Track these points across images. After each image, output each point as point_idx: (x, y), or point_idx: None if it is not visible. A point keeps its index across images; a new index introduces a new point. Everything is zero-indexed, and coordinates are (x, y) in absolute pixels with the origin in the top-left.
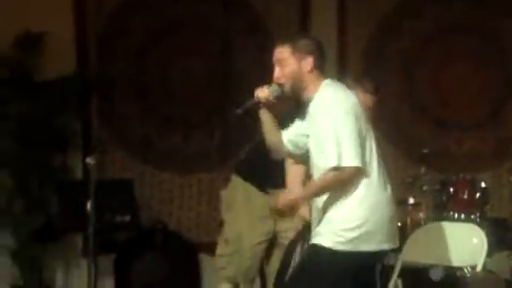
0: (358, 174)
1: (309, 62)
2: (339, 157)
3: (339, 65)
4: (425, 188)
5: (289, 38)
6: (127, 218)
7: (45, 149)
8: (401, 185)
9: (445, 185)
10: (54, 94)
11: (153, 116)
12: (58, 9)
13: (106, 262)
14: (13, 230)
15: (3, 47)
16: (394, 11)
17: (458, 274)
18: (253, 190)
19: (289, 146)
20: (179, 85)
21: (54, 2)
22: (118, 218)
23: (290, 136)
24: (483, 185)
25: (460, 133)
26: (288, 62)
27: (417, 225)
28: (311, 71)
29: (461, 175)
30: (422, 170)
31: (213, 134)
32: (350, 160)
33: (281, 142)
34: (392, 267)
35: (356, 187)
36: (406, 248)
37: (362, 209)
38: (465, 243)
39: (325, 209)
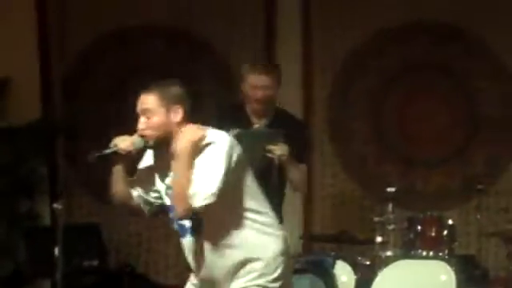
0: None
1: (178, 112)
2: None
3: (305, 112)
4: (392, 227)
5: (156, 86)
6: (95, 263)
7: (11, 195)
8: (368, 224)
9: (412, 223)
10: (19, 139)
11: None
12: (22, 54)
13: None
14: None
15: None
16: (360, 50)
17: None
18: None
19: (138, 201)
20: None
21: (19, 47)
22: (86, 263)
23: (140, 192)
24: (450, 222)
25: (427, 170)
26: (155, 113)
27: (385, 263)
28: (181, 122)
29: (428, 213)
30: (389, 208)
31: None
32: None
33: (129, 195)
34: None
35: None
36: (375, 287)
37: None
38: (433, 280)
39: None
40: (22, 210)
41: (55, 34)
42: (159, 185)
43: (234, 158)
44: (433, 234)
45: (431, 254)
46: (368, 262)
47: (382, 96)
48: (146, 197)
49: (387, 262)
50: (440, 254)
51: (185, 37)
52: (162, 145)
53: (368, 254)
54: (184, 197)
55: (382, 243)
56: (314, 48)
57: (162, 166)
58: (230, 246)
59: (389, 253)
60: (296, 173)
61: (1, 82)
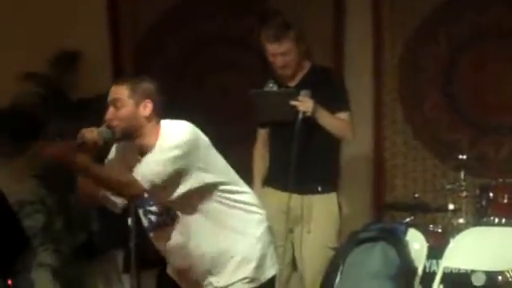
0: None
1: (148, 106)
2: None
3: (375, 80)
4: (464, 194)
5: (127, 79)
6: None
7: None
8: (440, 191)
9: (484, 190)
10: (91, 112)
11: None
12: (92, 27)
13: (149, 277)
14: (54, 248)
15: (40, 66)
16: (430, 18)
17: (500, 278)
18: None
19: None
20: (216, 101)
21: (89, 20)
22: None
23: None
24: None
25: (498, 137)
26: (124, 104)
27: (457, 230)
28: (149, 117)
29: (500, 180)
30: (461, 175)
31: None
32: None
33: (96, 190)
34: (434, 273)
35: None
36: (448, 254)
37: None
38: (506, 247)
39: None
40: None
41: (126, 7)
42: None
43: (192, 148)
44: (505, 201)
45: (504, 220)
46: (440, 230)
47: (452, 63)
48: None
49: (459, 229)
50: None
51: (253, 8)
52: (129, 137)
53: (440, 222)
54: (122, 184)
55: (454, 210)
56: (384, 17)
57: (129, 159)
58: (210, 235)
59: (461, 220)
60: (332, 123)
61: (71, 56)
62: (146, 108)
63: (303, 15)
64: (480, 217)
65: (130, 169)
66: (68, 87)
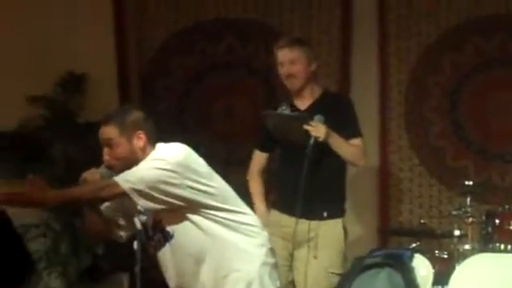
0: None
1: (141, 137)
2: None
3: (381, 106)
4: (470, 220)
5: (112, 117)
6: None
7: None
8: (446, 217)
9: (490, 216)
10: (97, 135)
11: None
12: (100, 50)
13: None
14: (59, 272)
15: (46, 88)
16: (435, 44)
17: None
18: None
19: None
20: (221, 124)
21: (97, 43)
22: None
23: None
24: None
25: (504, 164)
26: (118, 143)
27: (463, 257)
28: (144, 147)
29: (506, 206)
30: (467, 201)
31: None
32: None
33: (105, 225)
34: None
35: None
36: (453, 280)
37: None
38: None
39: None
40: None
41: (133, 30)
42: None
43: (182, 168)
44: (511, 228)
45: (510, 247)
46: (446, 256)
47: (457, 89)
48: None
49: (465, 255)
50: None
51: (260, 30)
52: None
53: (446, 248)
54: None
55: (460, 237)
56: (390, 44)
57: (126, 203)
58: (209, 254)
59: (467, 246)
60: (345, 148)
61: (79, 78)
62: (140, 140)
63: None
64: (486, 243)
65: (130, 216)
66: (74, 110)
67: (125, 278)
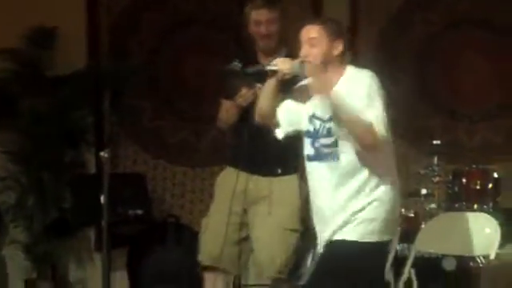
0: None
1: (339, 45)
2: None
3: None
4: (437, 179)
5: (320, 19)
6: (140, 212)
7: (57, 144)
8: (413, 176)
9: (457, 176)
10: (66, 89)
11: (165, 111)
12: (70, 4)
13: (119, 255)
14: (26, 225)
15: (15, 42)
16: (406, 4)
17: (471, 263)
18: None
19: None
20: (192, 80)
21: None
22: (131, 212)
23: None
24: (495, 175)
25: (471, 124)
26: (319, 42)
27: (430, 215)
28: (340, 55)
29: (473, 166)
30: (435, 161)
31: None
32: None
33: (274, 110)
34: (405, 257)
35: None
36: (420, 238)
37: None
38: (478, 233)
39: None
40: (67, 158)
41: None
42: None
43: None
44: (477, 187)
45: (476, 206)
46: (412, 215)
47: (426, 51)
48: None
49: (431, 214)
50: (484, 206)
51: None
52: (318, 74)
53: (413, 207)
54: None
55: (426, 195)
56: (360, 6)
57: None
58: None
59: (433, 205)
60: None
61: (48, 32)
62: (338, 48)
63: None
64: (452, 202)
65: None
66: (43, 64)
67: (92, 233)
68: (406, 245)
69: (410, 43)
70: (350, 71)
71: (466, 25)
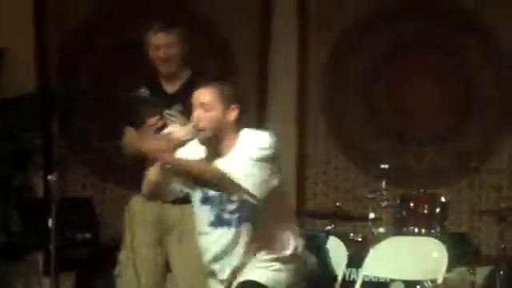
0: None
1: (235, 111)
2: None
3: (299, 90)
4: (385, 203)
5: (216, 83)
6: (88, 236)
7: (5, 167)
8: (361, 200)
9: (405, 200)
10: (14, 110)
11: (113, 133)
12: (17, 25)
13: (68, 279)
14: None
15: None
16: (352, 28)
17: (419, 287)
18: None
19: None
20: None
21: (14, 17)
22: (79, 236)
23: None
24: (443, 199)
25: (420, 148)
26: (213, 107)
27: (377, 240)
28: (234, 122)
29: (421, 190)
30: (383, 185)
31: None
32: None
33: (163, 189)
34: (353, 282)
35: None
36: (367, 263)
37: None
38: (425, 257)
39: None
40: (15, 181)
41: (53, 6)
42: None
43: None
44: (425, 212)
45: (423, 230)
46: (360, 239)
47: (374, 74)
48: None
49: (379, 238)
50: (432, 231)
51: (184, 14)
52: (213, 141)
53: (360, 231)
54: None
55: (374, 220)
56: (310, 26)
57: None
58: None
59: (381, 229)
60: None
61: None
62: (233, 113)
63: (229, 20)
64: (400, 226)
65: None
66: None
67: (40, 257)
68: (353, 269)
69: (358, 67)
70: (245, 135)
71: (414, 47)
